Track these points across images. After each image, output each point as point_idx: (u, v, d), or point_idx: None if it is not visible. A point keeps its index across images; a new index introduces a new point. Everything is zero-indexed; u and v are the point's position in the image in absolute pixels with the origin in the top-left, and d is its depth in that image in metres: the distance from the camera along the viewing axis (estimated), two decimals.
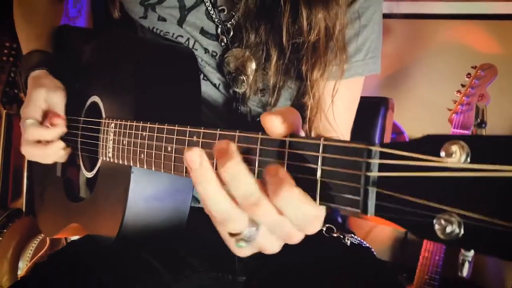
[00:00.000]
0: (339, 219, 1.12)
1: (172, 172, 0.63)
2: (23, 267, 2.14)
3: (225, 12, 0.90)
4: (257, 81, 0.87)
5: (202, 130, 0.57)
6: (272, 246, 0.49)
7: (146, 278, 0.95)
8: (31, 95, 0.96)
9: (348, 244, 0.98)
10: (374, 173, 0.35)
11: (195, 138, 0.58)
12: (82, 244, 1.03)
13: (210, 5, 0.89)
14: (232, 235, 0.49)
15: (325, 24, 0.79)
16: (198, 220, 0.92)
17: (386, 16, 1.04)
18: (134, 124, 0.73)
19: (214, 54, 0.92)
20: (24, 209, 2.20)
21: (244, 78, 0.89)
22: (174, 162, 0.63)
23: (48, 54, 1.05)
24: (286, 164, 0.43)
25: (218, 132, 0.54)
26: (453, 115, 1.49)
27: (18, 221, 2.19)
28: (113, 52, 0.92)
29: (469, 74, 1.48)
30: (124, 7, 0.96)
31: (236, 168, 0.43)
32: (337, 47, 0.82)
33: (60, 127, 0.95)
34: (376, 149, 0.35)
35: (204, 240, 1.02)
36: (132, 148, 0.73)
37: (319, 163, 0.39)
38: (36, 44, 1.06)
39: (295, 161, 0.42)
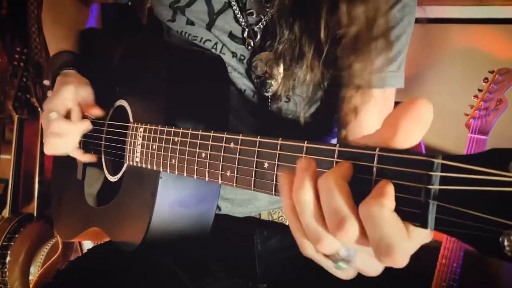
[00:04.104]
0: None
1: (206, 178, 0.63)
2: (34, 272, 2.14)
3: (254, 16, 0.90)
4: (290, 80, 0.87)
5: (240, 137, 0.56)
6: (373, 268, 0.45)
7: (168, 285, 0.95)
8: (58, 91, 0.96)
9: None
10: (436, 186, 0.34)
11: (232, 145, 0.58)
12: (102, 250, 1.04)
13: (238, 9, 0.89)
14: (328, 256, 0.45)
15: (365, 16, 0.79)
16: (220, 226, 0.92)
17: None
18: (166, 129, 0.73)
19: (242, 58, 0.92)
20: (35, 214, 2.20)
21: (272, 82, 0.89)
22: (208, 168, 0.62)
23: (75, 54, 1.06)
24: None
25: (258, 139, 0.53)
26: (471, 120, 1.48)
27: (30, 226, 2.20)
28: (143, 57, 0.92)
29: (486, 78, 1.47)
30: (154, 11, 0.97)
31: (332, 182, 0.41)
32: (380, 37, 0.81)
33: (86, 123, 0.96)
34: (438, 161, 0.34)
35: (225, 247, 1.02)
36: (162, 153, 0.73)
37: (374, 174, 0.39)
38: (64, 44, 1.07)
39: None
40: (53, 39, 1.11)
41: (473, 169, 0.33)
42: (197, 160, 0.64)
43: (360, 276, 0.89)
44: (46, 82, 2.12)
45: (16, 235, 2.15)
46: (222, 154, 0.59)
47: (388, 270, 0.97)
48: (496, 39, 1.72)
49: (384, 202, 0.36)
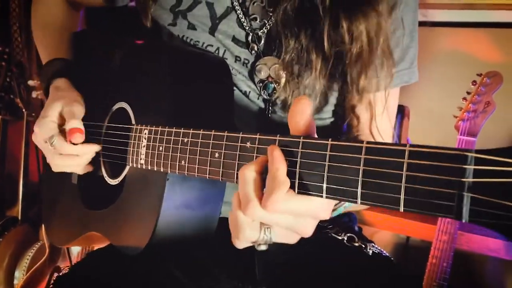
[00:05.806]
0: (356, 228, 1.12)
1: (220, 178, 0.63)
2: (19, 276, 2.10)
3: (257, 21, 0.90)
4: (299, 88, 0.87)
5: (258, 136, 0.56)
6: (290, 238, 0.57)
7: (168, 286, 0.94)
8: (46, 108, 0.93)
9: (370, 254, 0.98)
10: (470, 179, 0.36)
11: (248, 144, 0.57)
12: (103, 254, 1.02)
13: (242, 13, 0.90)
14: (253, 243, 0.58)
15: (367, 35, 0.80)
16: (220, 229, 0.92)
17: None
18: (174, 130, 0.72)
19: (246, 62, 0.92)
20: (20, 217, 2.16)
21: (275, 85, 0.89)
22: (222, 168, 0.62)
23: (67, 61, 1.03)
24: (362, 170, 0.44)
25: (278, 138, 0.53)
26: (460, 122, 1.51)
27: (14, 229, 2.16)
28: (146, 59, 0.91)
29: (474, 81, 1.51)
30: (153, 15, 0.96)
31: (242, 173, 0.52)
32: (383, 56, 0.83)
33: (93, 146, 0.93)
34: (472, 154, 0.36)
35: (225, 249, 1.01)
36: (170, 154, 0.72)
37: (404, 169, 0.40)
38: (55, 52, 1.05)
39: (375, 166, 0.42)
40: (43, 49, 1.08)
41: (505, 161, 0.34)
42: (210, 160, 0.64)
43: (356, 278, 0.91)
44: (31, 83, 2.09)
45: (0, 239, 2.11)
46: (238, 153, 0.59)
47: (385, 271, 0.98)
48: (484, 43, 1.76)
49: (281, 188, 0.49)
